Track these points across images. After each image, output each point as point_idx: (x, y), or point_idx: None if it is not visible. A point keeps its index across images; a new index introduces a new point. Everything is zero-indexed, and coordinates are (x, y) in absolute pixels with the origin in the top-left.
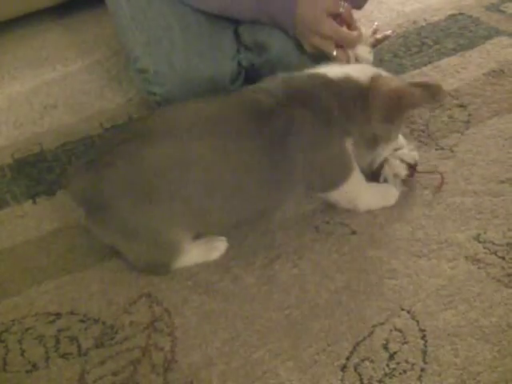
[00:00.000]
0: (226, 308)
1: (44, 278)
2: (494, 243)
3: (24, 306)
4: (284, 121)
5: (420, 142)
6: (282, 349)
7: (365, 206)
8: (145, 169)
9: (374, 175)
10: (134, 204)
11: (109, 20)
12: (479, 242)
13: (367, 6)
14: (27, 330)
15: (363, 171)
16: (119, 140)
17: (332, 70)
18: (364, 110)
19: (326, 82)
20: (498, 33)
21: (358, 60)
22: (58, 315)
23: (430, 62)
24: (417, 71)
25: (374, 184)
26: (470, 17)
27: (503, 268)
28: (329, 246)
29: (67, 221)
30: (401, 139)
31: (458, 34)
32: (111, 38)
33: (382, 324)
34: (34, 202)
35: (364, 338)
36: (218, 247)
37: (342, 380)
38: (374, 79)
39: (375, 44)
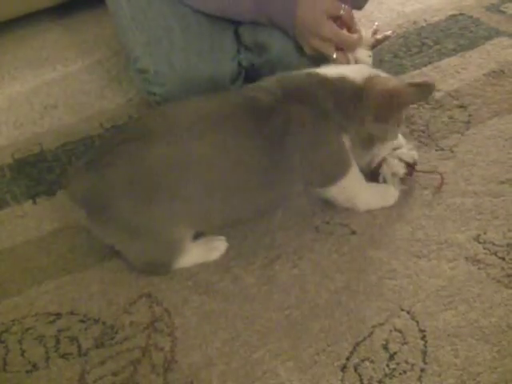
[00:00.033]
0: (226, 308)
1: (44, 278)
2: (494, 244)
3: (24, 306)
4: (281, 117)
5: (420, 142)
6: (282, 349)
7: (364, 205)
8: (145, 168)
9: (373, 176)
10: (135, 203)
11: (109, 20)
12: (479, 242)
13: (367, 7)
14: (27, 330)
15: (362, 171)
16: (119, 140)
17: (328, 70)
18: (359, 110)
19: (322, 80)
20: (498, 33)
21: (357, 63)
22: (58, 315)
23: (430, 63)
24: (417, 71)
25: (373, 184)
26: (471, 17)
27: (503, 269)
28: (329, 246)
29: (67, 221)
30: (400, 139)
31: (459, 34)
32: (111, 38)
33: (382, 324)
34: (34, 202)
35: (364, 339)
36: (217, 247)
37: (342, 380)
38: (369, 79)
39: (375, 44)
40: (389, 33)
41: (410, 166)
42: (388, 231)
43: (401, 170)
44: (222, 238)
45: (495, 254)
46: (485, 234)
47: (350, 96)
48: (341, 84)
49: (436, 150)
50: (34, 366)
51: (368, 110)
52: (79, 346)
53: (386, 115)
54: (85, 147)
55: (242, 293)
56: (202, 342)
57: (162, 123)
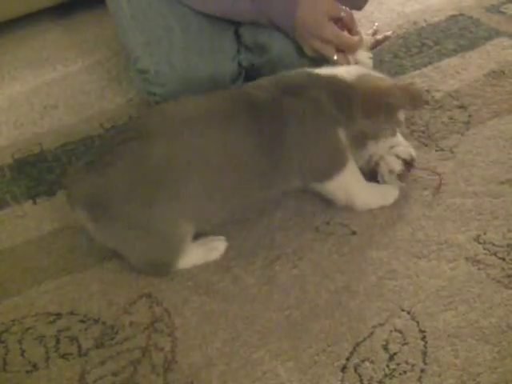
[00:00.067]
0: (226, 308)
1: (44, 278)
2: (494, 244)
3: (24, 306)
4: (277, 110)
5: (420, 142)
6: (282, 349)
7: (362, 203)
8: (146, 167)
9: (372, 176)
10: (137, 203)
11: (109, 20)
12: (479, 243)
13: (367, 7)
14: (27, 330)
15: (363, 172)
16: (119, 140)
17: (320, 70)
18: (350, 106)
19: (314, 77)
20: (498, 34)
21: (358, 64)
22: (59, 315)
23: (430, 63)
24: (417, 72)
25: (373, 183)
26: (471, 18)
27: (503, 269)
28: (329, 246)
29: (67, 221)
30: (399, 137)
31: (459, 34)
32: (111, 38)
33: (382, 325)
34: (35, 203)
35: (364, 339)
36: (217, 247)
37: (342, 381)
38: (359, 77)
39: (375, 45)
40: (389, 33)
41: (408, 163)
42: (388, 232)
43: (397, 166)
44: (222, 237)
45: (495, 254)
46: (485, 234)
47: (342, 93)
48: (332, 81)
49: (436, 151)
50: (34, 366)
51: (358, 107)
52: (79, 346)
53: (373, 112)
54: (85, 147)
55: (242, 293)
56: (202, 343)
57: (161, 122)
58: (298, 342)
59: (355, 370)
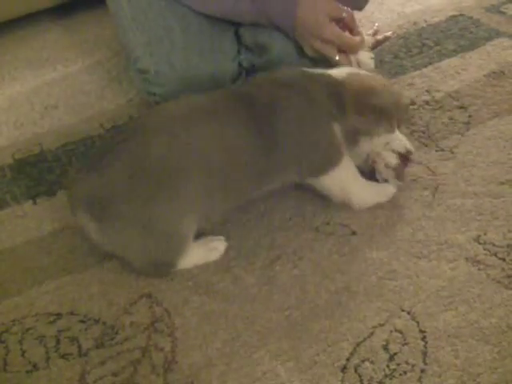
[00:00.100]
0: (226, 308)
1: (44, 278)
2: (494, 244)
3: (24, 306)
4: (272, 106)
5: (420, 143)
6: (282, 349)
7: (359, 200)
8: (147, 167)
9: (372, 175)
10: (138, 202)
11: (109, 20)
12: (479, 243)
13: (368, 7)
14: (28, 330)
15: (362, 172)
16: (119, 140)
17: (314, 69)
18: (342, 103)
19: (308, 74)
20: (498, 34)
21: (359, 65)
22: (59, 315)
23: (430, 63)
24: (417, 72)
25: (370, 181)
26: (471, 18)
27: (503, 269)
28: (329, 246)
29: (67, 221)
30: (398, 135)
31: (459, 35)
32: (112, 38)
33: (382, 325)
34: (35, 203)
35: (364, 339)
36: (217, 247)
37: (342, 381)
38: (349, 75)
39: (376, 45)
40: (389, 34)
41: (403, 157)
42: (388, 232)
43: (393, 160)
44: (221, 237)
45: (495, 254)
46: (485, 234)
47: (334, 89)
48: (324, 78)
49: (436, 151)
50: (35, 366)
51: (349, 104)
52: (79, 347)
53: (362, 111)
54: (85, 147)
55: (242, 293)
56: (202, 343)
57: (161, 121)
58: (298, 342)
59: (355, 371)
